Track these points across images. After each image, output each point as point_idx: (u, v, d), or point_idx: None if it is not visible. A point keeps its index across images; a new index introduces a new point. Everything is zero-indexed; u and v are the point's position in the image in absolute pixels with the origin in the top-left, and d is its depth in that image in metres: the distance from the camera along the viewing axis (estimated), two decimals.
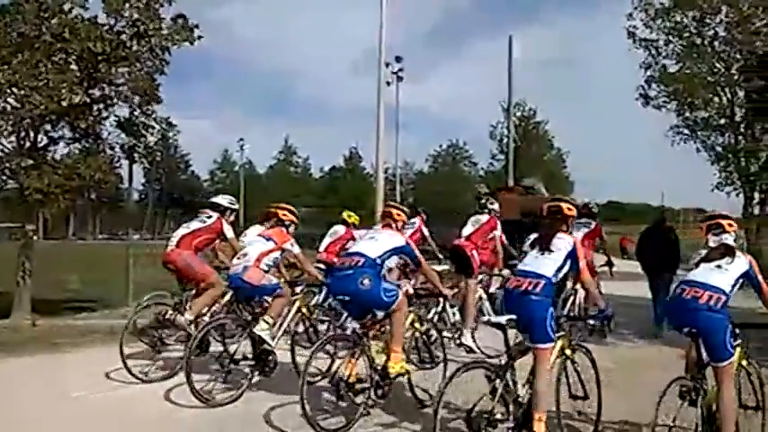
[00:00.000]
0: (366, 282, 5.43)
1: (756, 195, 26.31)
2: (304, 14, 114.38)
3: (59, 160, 12.12)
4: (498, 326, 4.66)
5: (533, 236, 4.92)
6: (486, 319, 5.25)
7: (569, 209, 5.01)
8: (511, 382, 4.52)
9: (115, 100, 12.34)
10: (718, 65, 26.00)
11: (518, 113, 48.94)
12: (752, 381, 4.85)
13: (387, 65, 26.89)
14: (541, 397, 4.45)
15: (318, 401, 5.64)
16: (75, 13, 11.46)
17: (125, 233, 65.31)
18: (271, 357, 6.29)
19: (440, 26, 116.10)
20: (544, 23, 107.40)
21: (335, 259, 8.25)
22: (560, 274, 4.74)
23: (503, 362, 4.65)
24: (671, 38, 26.37)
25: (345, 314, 6.59)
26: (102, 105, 12.27)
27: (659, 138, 28.71)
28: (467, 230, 8.70)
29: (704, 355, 4.44)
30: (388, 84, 35.99)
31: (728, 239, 4.75)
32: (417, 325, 6.29)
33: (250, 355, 6.26)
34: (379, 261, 5.60)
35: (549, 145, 54.53)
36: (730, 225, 4.94)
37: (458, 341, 8.04)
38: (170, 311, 6.81)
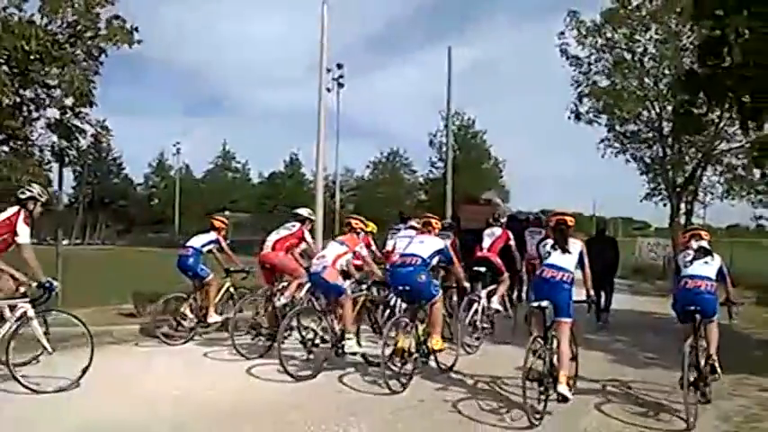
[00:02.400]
0: (423, 277, 6.98)
1: (683, 206, 27.54)
2: (242, 18, 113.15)
3: None
4: (540, 308, 6.00)
5: (550, 241, 6.35)
6: (536, 304, 6.13)
7: (571, 221, 6.47)
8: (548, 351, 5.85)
9: (47, 102, 11.93)
10: (647, 80, 27.09)
11: (457, 122, 49.55)
12: None
13: (328, 70, 26.86)
14: (565, 358, 5.81)
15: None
16: (8, 12, 11.07)
17: (54, 238, 62.94)
18: (343, 343, 7.36)
19: (379, 34, 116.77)
20: (482, 34, 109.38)
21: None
22: (576, 269, 6.16)
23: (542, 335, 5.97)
24: (602, 54, 27.37)
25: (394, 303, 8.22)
26: (32, 107, 11.85)
27: (590, 149, 29.77)
28: (486, 243, 9.92)
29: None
30: (329, 90, 36.02)
31: (704, 244, 6.56)
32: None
33: (327, 338, 7.43)
34: (428, 260, 7.13)
35: (488, 154, 55.44)
36: (705, 234, 6.94)
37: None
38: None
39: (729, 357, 7.89)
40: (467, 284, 8.32)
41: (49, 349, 6.29)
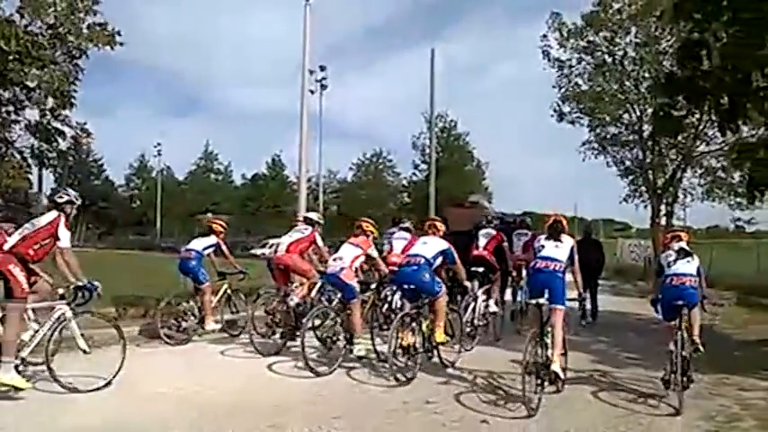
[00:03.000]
0: (426, 276, 7.45)
1: (663, 207, 27.84)
2: (227, 19, 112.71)
3: None
4: (538, 305, 6.43)
5: (544, 235, 6.88)
6: (533, 301, 6.55)
7: (564, 221, 7.02)
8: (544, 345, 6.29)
9: (26, 103, 11.83)
10: (627, 83, 27.39)
11: (440, 124, 49.65)
12: None
13: (311, 72, 26.84)
14: (558, 339, 6.28)
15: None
16: None
17: None
18: (352, 347, 7.87)
19: (363, 35, 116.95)
20: (465, 36, 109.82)
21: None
22: (568, 261, 6.66)
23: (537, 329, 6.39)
24: (583, 57, 27.64)
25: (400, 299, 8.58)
26: (11, 108, 11.74)
27: (572, 151, 30.02)
28: (482, 242, 10.29)
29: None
30: (312, 92, 35.97)
31: (684, 245, 7.14)
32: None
33: (342, 337, 7.93)
34: (432, 260, 7.61)
35: (470, 156, 55.63)
36: (685, 236, 7.58)
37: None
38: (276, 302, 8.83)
39: (710, 358, 8.18)
40: (467, 284, 8.81)
41: (87, 350, 6.46)
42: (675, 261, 6.91)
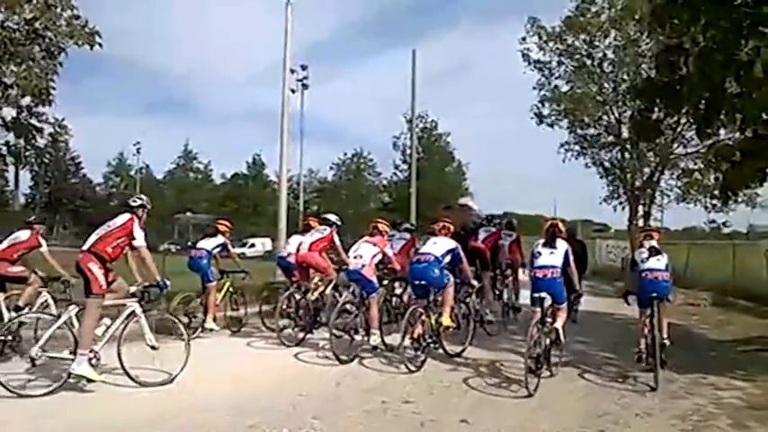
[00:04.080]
0: (435, 272, 8.16)
1: (641, 209, 28.11)
2: (207, 17, 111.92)
3: None
4: (540, 299, 7.21)
5: (541, 241, 7.54)
6: (536, 295, 7.27)
7: (561, 225, 7.78)
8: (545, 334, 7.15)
9: (2, 100, 11.66)
10: (606, 85, 27.63)
11: (420, 125, 49.70)
12: None
13: (292, 71, 26.73)
14: (562, 334, 7.31)
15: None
16: None
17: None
18: (373, 332, 8.57)
19: (345, 36, 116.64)
20: (444, 37, 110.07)
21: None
22: (563, 265, 7.34)
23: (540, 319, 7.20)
24: (562, 59, 27.84)
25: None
26: None
27: (551, 152, 30.25)
28: (482, 236, 11.33)
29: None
30: (293, 91, 35.78)
31: (654, 244, 7.89)
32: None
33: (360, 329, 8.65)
34: (441, 258, 8.29)
35: (451, 156, 55.78)
36: (656, 235, 8.35)
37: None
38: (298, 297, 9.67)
39: (686, 358, 8.43)
40: (475, 283, 9.54)
41: (156, 345, 6.81)
42: (648, 258, 7.74)
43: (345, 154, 65.12)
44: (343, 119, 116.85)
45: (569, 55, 27.56)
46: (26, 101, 11.64)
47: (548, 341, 7.17)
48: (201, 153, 74.13)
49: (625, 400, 6.68)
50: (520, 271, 12.22)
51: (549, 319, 7.28)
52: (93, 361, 6.38)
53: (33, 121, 12.39)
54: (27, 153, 12.97)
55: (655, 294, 7.57)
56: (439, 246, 8.48)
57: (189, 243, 19.15)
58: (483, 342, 9.63)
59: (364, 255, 8.86)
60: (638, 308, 7.85)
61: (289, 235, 12.46)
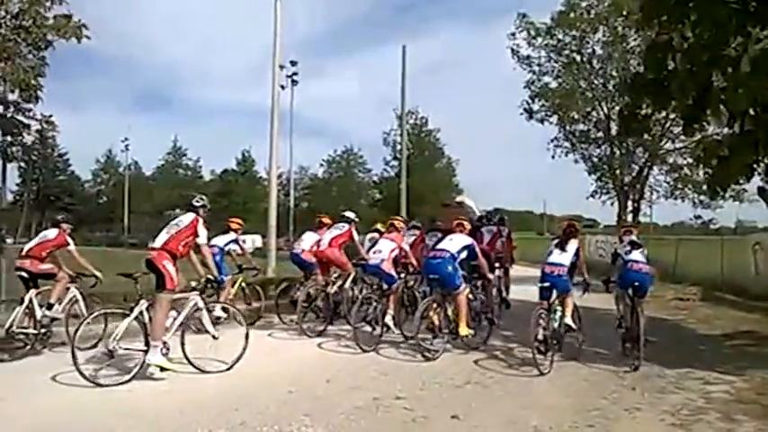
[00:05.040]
0: (449, 268, 8.42)
1: (629, 204, 28.26)
2: (195, 13, 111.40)
3: None
4: (546, 288, 7.93)
5: (556, 241, 8.31)
6: (541, 284, 8.00)
7: (578, 226, 8.50)
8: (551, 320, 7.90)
9: None
10: (595, 81, 27.75)
11: (411, 121, 49.65)
12: None
13: (281, 67, 26.61)
14: (570, 322, 8.04)
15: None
16: None
17: None
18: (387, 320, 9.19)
19: (336, 32, 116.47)
20: (434, 34, 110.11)
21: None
22: (570, 263, 8.06)
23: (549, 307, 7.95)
24: (552, 55, 27.90)
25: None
26: None
27: (540, 148, 30.37)
28: (486, 239, 11.40)
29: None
30: (283, 87, 35.68)
31: (634, 238, 9.00)
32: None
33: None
34: (456, 254, 8.59)
35: (441, 153, 55.78)
36: (635, 230, 9.89)
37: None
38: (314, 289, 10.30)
39: (675, 352, 8.50)
40: (491, 276, 9.92)
41: (216, 335, 7.35)
42: (630, 251, 8.56)
43: (336, 151, 65.11)
44: (334, 115, 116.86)
45: (558, 51, 27.64)
46: (13, 97, 11.49)
47: (556, 324, 7.89)
48: (190, 149, 73.81)
49: (615, 395, 6.71)
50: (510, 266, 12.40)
51: (559, 308, 8.01)
52: (164, 351, 6.83)
53: (20, 118, 12.21)
54: (14, 149, 12.77)
55: (637, 284, 8.34)
56: (455, 242, 8.78)
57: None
58: (473, 339, 9.59)
59: (383, 250, 9.50)
60: (618, 291, 8.82)
61: (301, 232, 12.73)
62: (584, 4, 26.71)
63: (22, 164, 56.76)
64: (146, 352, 6.73)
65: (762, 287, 15.63)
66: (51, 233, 8.85)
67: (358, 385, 6.89)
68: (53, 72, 12.28)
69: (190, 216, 7.51)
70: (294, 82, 42.64)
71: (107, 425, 5.39)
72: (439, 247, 8.84)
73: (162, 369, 6.78)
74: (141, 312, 6.86)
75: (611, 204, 28.84)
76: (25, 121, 12.11)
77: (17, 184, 65.40)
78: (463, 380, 7.23)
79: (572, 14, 26.77)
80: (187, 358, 7.09)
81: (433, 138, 55.39)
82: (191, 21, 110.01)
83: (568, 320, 8.04)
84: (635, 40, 24.92)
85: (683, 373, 7.70)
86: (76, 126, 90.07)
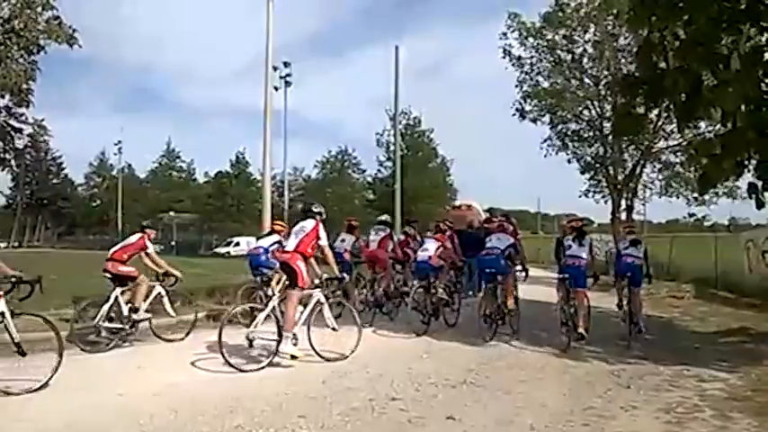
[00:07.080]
0: (501, 262, 10.02)
1: (623, 202, 28.28)
2: (187, 15, 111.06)
3: None
4: (564, 279, 9.35)
5: (571, 236, 9.65)
6: (561, 276, 9.41)
7: (586, 222, 9.75)
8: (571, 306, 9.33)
9: None
10: (587, 80, 27.76)
11: (404, 121, 49.54)
12: None
13: (275, 68, 26.61)
14: (581, 312, 9.13)
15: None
16: None
17: None
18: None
19: (329, 32, 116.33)
20: (426, 35, 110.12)
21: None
22: (589, 254, 9.53)
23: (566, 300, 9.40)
24: (543, 55, 27.90)
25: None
26: None
27: (534, 147, 30.36)
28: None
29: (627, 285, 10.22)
30: (276, 88, 35.67)
31: (635, 236, 10.64)
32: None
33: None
34: (505, 251, 10.15)
35: (435, 153, 55.62)
36: (635, 228, 12.30)
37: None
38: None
39: (669, 350, 8.48)
40: (528, 267, 10.97)
41: (337, 327, 8.20)
42: (628, 247, 10.34)
43: (330, 152, 64.95)
44: (328, 116, 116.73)
45: (549, 50, 27.64)
46: (4, 102, 11.43)
47: (572, 310, 9.20)
48: (184, 151, 73.42)
49: (610, 393, 6.73)
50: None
51: (573, 297, 9.22)
52: (293, 341, 7.67)
53: (12, 122, 12.15)
54: (6, 154, 12.70)
55: (629, 274, 10.11)
56: (502, 241, 10.28)
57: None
58: (469, 338, 9.71)
59: (429, 248, 10.90)
60: (613, 278, 10.84)
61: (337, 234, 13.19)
62: (573, 4, 26.71)
63: (15, 168, 56.46)
64: (278, 342, 7.61)
65: (755, 284, 15.70)
66: (133, 238, 9.43)
67: (353, 386, 6.87)
68: (45, 78, 12.23)
69: (311, 222, 8.30)
70: (287, 83, 42.63)
71: (127, 425, 5.36)
72: (489, 245, 10.28)
73: (292, 357, 7.61)
74: (274, 307, 7.76)
75: (605, 202, 28.85)
76: (17, 125, 11.97)
77: (10, 188, 65.17)
78: (458, 380, 7.21)
79: (561, 14, 26.77)
80: (314, 349, 7.90)
81: (426, 138, 55.22)
82: (184, 22, 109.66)
83: (583, 314, 9.12)
84: (625, 38, 24.95)
85: (678, 371, 7.73)
86: (69, 130, 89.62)
